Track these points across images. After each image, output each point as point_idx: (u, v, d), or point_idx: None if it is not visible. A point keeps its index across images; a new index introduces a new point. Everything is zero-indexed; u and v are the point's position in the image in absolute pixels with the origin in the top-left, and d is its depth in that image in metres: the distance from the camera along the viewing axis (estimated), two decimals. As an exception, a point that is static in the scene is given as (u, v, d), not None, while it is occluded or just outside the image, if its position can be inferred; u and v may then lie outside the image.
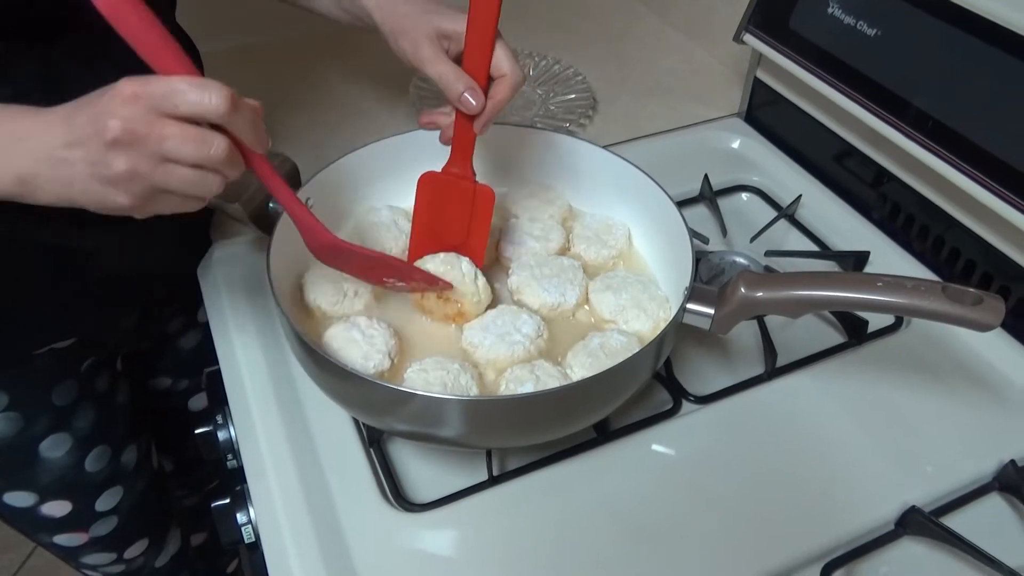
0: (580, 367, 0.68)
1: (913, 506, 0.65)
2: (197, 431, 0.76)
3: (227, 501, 0.70)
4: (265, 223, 0.74)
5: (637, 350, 0.68)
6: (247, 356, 0.77)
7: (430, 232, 0.75)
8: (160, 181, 0.49)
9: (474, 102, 0.66)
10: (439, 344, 0.72)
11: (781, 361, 0.77)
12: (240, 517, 0.69)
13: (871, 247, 0.88)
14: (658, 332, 0.72)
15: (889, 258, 0.88)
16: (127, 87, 0.47)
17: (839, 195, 0.96)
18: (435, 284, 0.71)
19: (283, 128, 1.05)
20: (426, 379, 0.65)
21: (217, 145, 0.48)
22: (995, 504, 0.68)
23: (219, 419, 0.76)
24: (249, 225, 0.75)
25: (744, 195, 1.01)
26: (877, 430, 0.72)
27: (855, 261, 0.88)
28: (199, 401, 1.10)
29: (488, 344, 0.68)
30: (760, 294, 0.64)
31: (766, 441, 0.71)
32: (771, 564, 0.63)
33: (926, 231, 0.88)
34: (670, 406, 0.74)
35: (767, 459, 0.70)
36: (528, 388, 0.65)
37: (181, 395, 1.09)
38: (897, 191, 0.90)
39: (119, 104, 0.46)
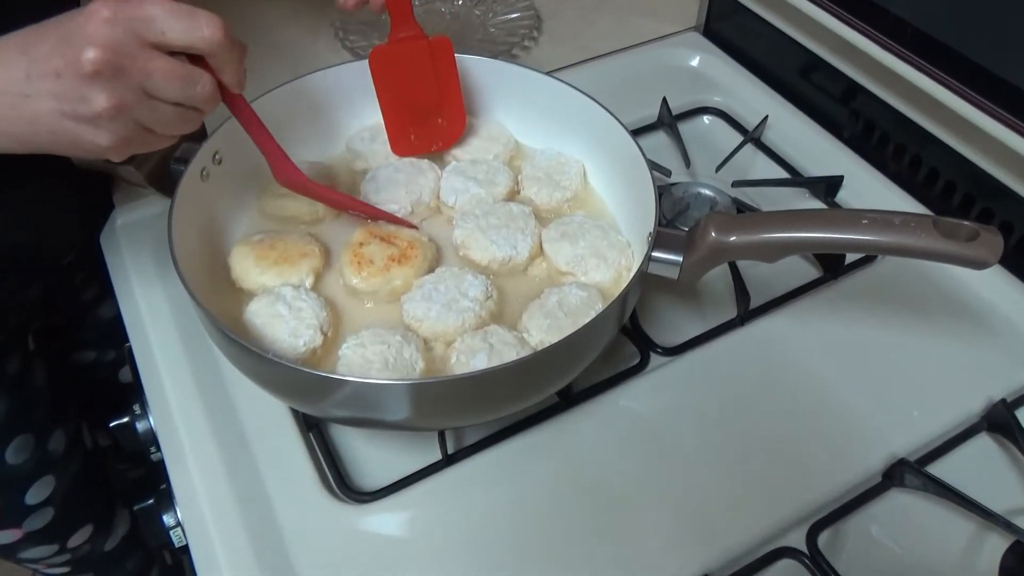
0: (538, 330, 0.60)
1: (901, 459, 0.61)
2: (112, 423, 0.68)
3: (151, 501, 0.62)
4: (166, 184, 0.65)
5: (599, 306, 0.62)
6: (160, 336, 0.68)
7: (401, 108, 0.72)
8: (144, 118, 0.44)
9: None
10: (377, 314, 0.64)
11: (754, 303, 0.71)
12: (167, 519, 0.62)
13: (844, 170, 0.82)
14: (621, 283, 0.66)
15: (863, 181, 0.81)
16: (103, 8, 0.40)
17: (808, 114, 0.89)
18: (399, 223, 0.68)
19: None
20: (364, 356, 0.57)
21: (203, 84, 0.45)
22: (984, 445, 0.64)
23: (136, 408, 0.67)
24: (147, 188, 0.65)
25: (706, 118, 0.93)
26: (859, 373, 0.67)
27: (827, 187, 0.81)
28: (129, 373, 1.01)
29: (434, 316, 0.60)
30: (733, 238, 0.57)
31: (742, 393, 0.66)
32: (753, 529, 0.58)
33: (902, 150, 0.81)
34: (637, 360, 0.68)
35: (743, 413, 0.65)
36: (481, 360, 0.57)
37: (110, 366, 0.99)
38: (870, 107, 0.83)
39: (96, 28, 0.40)
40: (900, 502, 0.60)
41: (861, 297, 0.72)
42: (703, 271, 0.60)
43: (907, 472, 0.60)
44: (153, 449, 0.68)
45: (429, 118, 0.73)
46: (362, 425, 0.60)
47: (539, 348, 0.60)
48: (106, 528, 0.94)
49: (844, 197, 0.81)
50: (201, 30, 0.42)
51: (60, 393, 0.87)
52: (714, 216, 0.58)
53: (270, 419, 0.63)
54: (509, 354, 0.58)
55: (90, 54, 0.40)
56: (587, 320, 0.59)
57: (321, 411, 0.57)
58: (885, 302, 0.72)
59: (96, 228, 0.78)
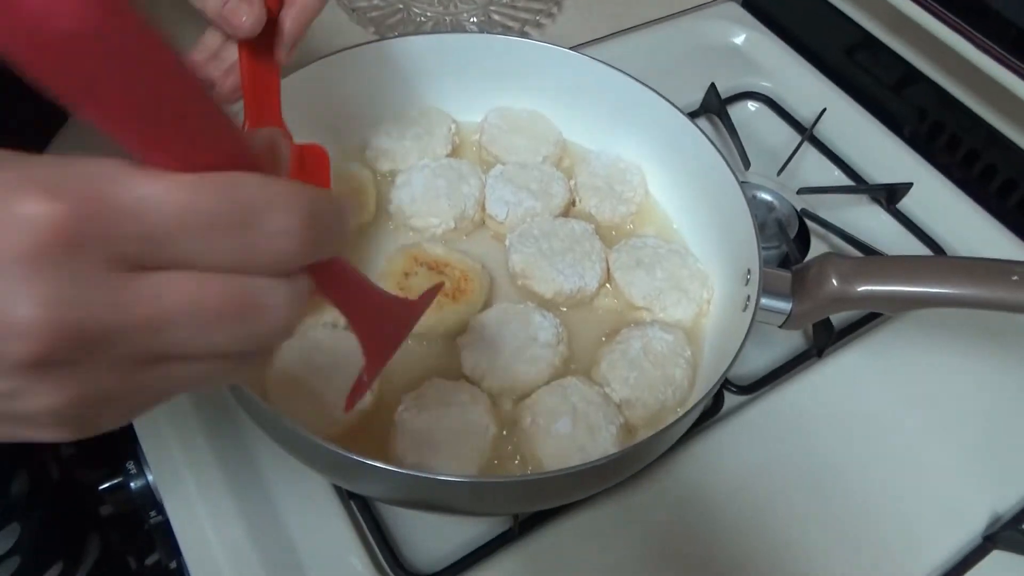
0: (621, 384, 0.52)
1: (1001, 519, 0.56)
2: (101, 487, 0.56)
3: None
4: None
5: (687, 353, 0.54)
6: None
7: None
8: (144, 392, 0.25)
9: (245, 18, 0.43)
10: (429, 357, 0.54)
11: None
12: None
13: (908, 175, 0.75)
14: (701, 319, 0.58)
15: (930, 188, 0.75)
16: (51, 206, 0.20)
17: (863, 105, 0.81)
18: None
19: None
20: (427, 424, 0.48)
21: (281, 306, 0.25)
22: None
23: (130, 466, 0.56)
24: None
25: (751, 105, 0.84)
26: (951, 418, 0.61)
27: (889, 193, 0.75)
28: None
29: (501, 368, 0.51)
30: (860, 288, 0.49)
31: (825, 438, 0.60)
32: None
33: (973, 156, 0.75)
34: (710, 404, 0.61)
35: (829, 461, 0.59)
36: (565, 425, 0.49)
37: None
38: (936, 102, 0.76)
39: (35, 257, 0.20)
40: (1002, 564, 0.56)
41: (959, 327, 0.65)
42: (811, 320, 0.53)
43: (1008, 533, 0.55)
44: (153, 513, 0.57)
45: None
46: (422, 510, 0.51)
47: (624, 406, 0.52)
48: (76, 560, 0.82)
49: (908, 205, 0.75)
50: (283, 232, 0.23)
51: None
52: (832, 260, 0.51)
53: (303, 483, 0.53)
54: (596, 417, 0.50)
55: (21, 317, 0.20)
56: (678, 371, 0.53)
57: (373, 495, 0.48)
58: (984, 335, 0.66)
59: None
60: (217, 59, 0.49)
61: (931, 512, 0.57)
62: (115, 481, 0.56)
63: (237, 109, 0.49)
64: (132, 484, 0.56)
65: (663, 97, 0.62)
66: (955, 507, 0.57)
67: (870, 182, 0.77)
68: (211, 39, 0.49)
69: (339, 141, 0.63)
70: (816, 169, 0.79)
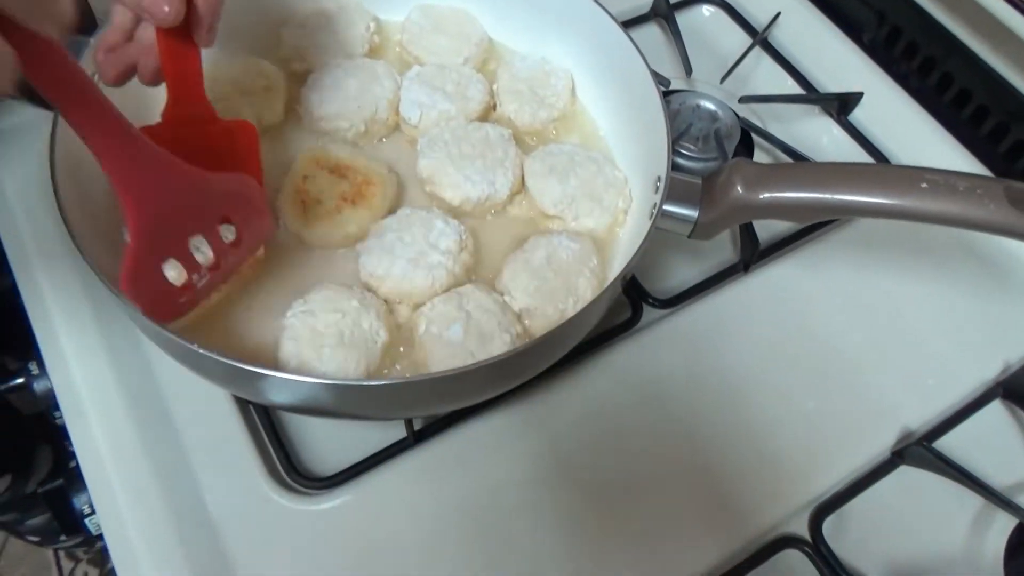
0: (522, 293, 0.51)
1: (913, 434, 0.55)
2: (3, 386, 0.56)
3: (60, 482, 0.53)
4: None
5: (593, 262, 0.53)
6: (52, 277, 0.56)
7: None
8: None
9: (168, 8, 0.41)
10: (327, 265, 0.53)
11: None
12: (78, 503, 0.52)
13: (862, 84, 0.71)
14: (615, 228, 0.56)
15: (883, 98, 0.71)
16: None
17: (823, 10, 0.77)
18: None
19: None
20: (314, 327, 0.47)
21: None
22: (997, 414, 0.59)
23: (32, 367, 0.56)
24: (18, 98, 0.50)
25: (706, 9, 0.80)
26: (872, 332, 0.60)
27: (841, 104, 0.71)
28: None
29: (398, 273, 0.50)
30: (764, 195, 0.47)
31: (743, 355, 0.59)
32: (751, 517, 0.52)
33: (930, 64, 0.71)
34: (628, 315, 0.60)
35: (745, 378, 0.58)
36: (457, 332, 0.48)
37: (7, 294, 0.86)
38: (896, 6, 0.72)
39: None
40: (908, 478, 0.55)
41: (878, 241, 0.64)
42: (719, 230, 0.50)
43: (917, 449, 0.54)
44: (57, 414, 0.57)
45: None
46: (313, 415, 0.51)
47: (524, 315, 0.51)
48: (26, 473, 0.83)
49: (860, 116, 0.72)
50: None
51: None
52: (740, 166, 0.48)
53: (198, 389, 0.53)
54: (489, 324, 0.49)
55: None
56: (582, 281, 0.52)
57: (266, 401, 0.48)
58: (904, 249, 0.64)
59: None
60: (135, 40, 0.46)
61: (843, 426, 0.56)
62: (17, 381, 0.56)
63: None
64: (35, 385, 0.56)
65: (595, 1, 0.58)
66: (868, 421, 0.57)
67: (823, 91, 0.73)
68: (122, 18, 0.46)
69: (251, 37, 0.60)
70: (768, 77, 0.75)
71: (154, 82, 0.47)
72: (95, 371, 0.53)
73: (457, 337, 0.48)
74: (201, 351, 0.40)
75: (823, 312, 0.61)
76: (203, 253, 0.46)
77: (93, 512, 0.52)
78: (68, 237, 0.41)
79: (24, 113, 0.62)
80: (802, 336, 0.60)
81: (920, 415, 0.57)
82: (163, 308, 0.44)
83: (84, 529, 0.53)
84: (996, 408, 0.59)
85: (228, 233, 0.46)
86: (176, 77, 0.47)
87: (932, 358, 0.60)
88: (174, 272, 0.44)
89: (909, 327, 0.61)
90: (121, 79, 0.46)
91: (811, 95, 0.72)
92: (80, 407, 0.52)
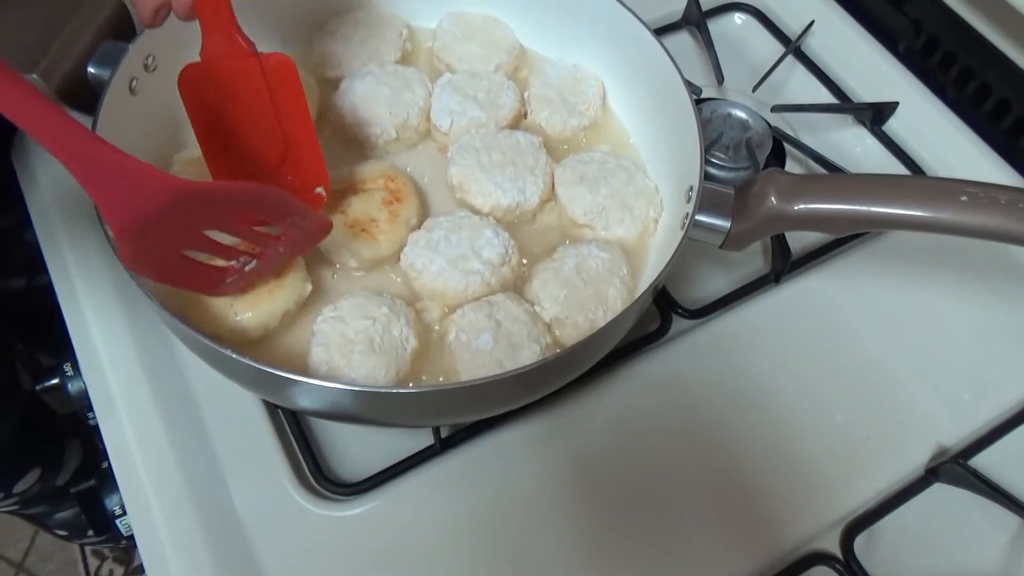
0: (552, 302, 0.50)
1: (947, 451, 0.54)
2: (39, 386, 0.57)
3: (92, 483, 0.54)
4: (84, 99, 0.51)
5: (623, 272, 0.52)
6: (88, 280, 0.56)
7: (227, 158, 0.51)
8: None
9: None
10: (363, 280, 0.53)
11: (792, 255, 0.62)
12: (110, 503, 0.53)
13: (897, 94, 0.70)
14: (646, 237, 0.56)
15: (919, 109, 0.70)
16: None
17: (858, 19, 0.76)
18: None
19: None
20: (344, 333, 0.47)
21: None
22: (1038, 431, 0.57)
23: (67, 368, 0.57)
24: (58, 103, 0.51)
25: (737, 16, 0.79)
26: (907, 346, 0.59)
27: (875, 113, 0.70)
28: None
29: (435, 271, 0.50)
30: (799, 207, 0.46)
31: (774, 368, 0.58)
32: (781, 533, 0.52)
33: (967, 74, 0.70)
34: (657, 325, 0.59)
35: (776, 392, 0.57)
36: (487, 341, 0.48)
37: (43, 292, 0.87)
38: (933, 15, 0.71)
39: None
40: (942, 496, 0.54)
41: (913, 255, 0.63)
42: (751, 241, 0.50)
43: (952, 467, 0.53)
44: (91, 415, 0.58)
45: (272, 173, 0.51)
46: (342, 421, 0.51)
47: (554, 325, 0.50)
48: (55, 467, 0.85)
49: (895, 127, 0.71)
50: None
51: None
52: (774, 176, 0.48)
53: (228, 392, 0.53)
54: (519, 334, 0.49)
55: None
56: (612, 291, 0.51)
57: (293, 407, 0.48)
58: (939, 260, 0.63)
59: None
60: None
61: (877, 441, 0.55)
62: (52, 382, 0.57)
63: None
64: (69, 386, 0.57)
65: (625, 6, 0.58)
66: (902, 437, 0.56)
67: (857, 101, 0.73)
68: None
69: (283, 45, 0.61)
70: (801, 86, 0.74)
71: (188, 17, 0.47)
72: (128, 373, 0.54)
73: (487, 346, 0.48)
74: (233, 356, 0.40)
75: (856, 324, 0.60)
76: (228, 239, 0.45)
77: (124, 513, 0.52)
78: (103, 239, 0.42)
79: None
80: (834, 348, 0.59)
81: (956, 431, 0.56)
82: (203, 282, 0.45)
83: (115, 529, 0.53)
84: (1036, 425, 0.57)
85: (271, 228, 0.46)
86: (206, 11, 0.47)
87: (969, 373, 0.58)
88: (206, 256, 0.45)
89: (945, 341, 0.60)
90: (158, 17, 0.47)
91: (844, 104, 0.71)
92: (113, 408, 0.52)
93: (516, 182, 0.55)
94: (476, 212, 0.55)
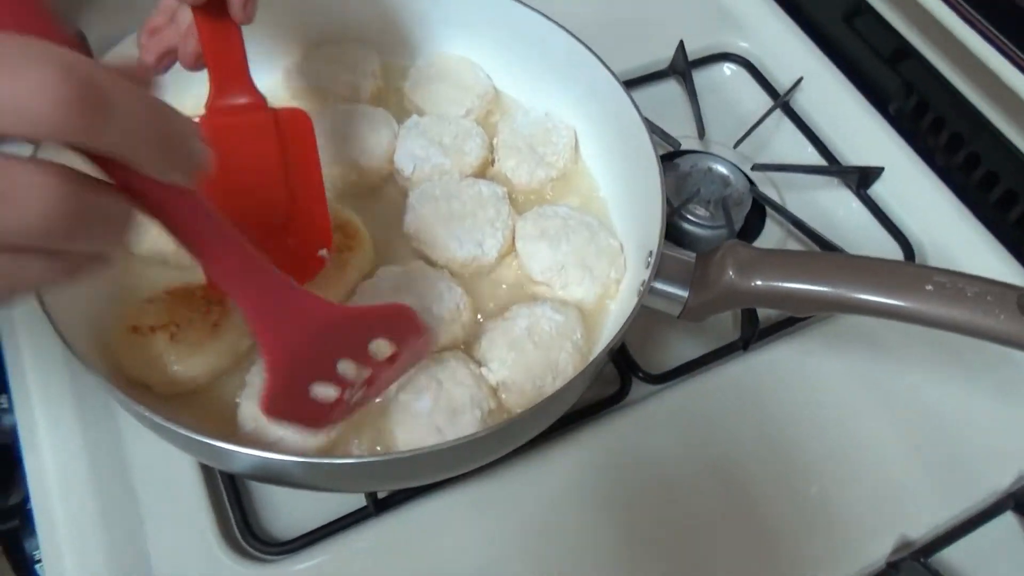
0: (500, 364, 0.48)
1: (911, 544, 0.52)
2: (-30, 417, 0.55)
3: (15, 523, 0.51)
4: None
5: (577, 336, 0.50)
6: (28, 324, 0.55)
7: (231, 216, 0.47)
8: None
9: None
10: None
11: (761, 323, 0.59)
12: (30, 547, 0.51)
13: (885, 158, 0.68)
14: (606, 299, 0.54)
15: (906, 175, 0.68)
16: None
17: (849, 76, 0.74)
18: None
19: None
20: (275, 389, 0.45)
21: (34, 188, 0.23)
22: (1007, 528, 0.55)
23: (2, 400, 0.55)
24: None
25: (727, 67, 0.78)
26: (875, 427, 0.57)
27: (861, 177, 0.68)
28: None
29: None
30: (757, 283, 0.44)
31: (740, 436, 0.55)
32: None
33: (957, 142, 0.68)
34: (616, 389, 0.57)
35: (741, 460, 0.54)
36: (426, 402, 0.46)
37: None
38: (924, 79, 0.69)
39: None
40: (904, 592, 0.51)
41: (888, 330, 0.60)
42: (711, 313, 0.48)
43: (912, 564, 0.51)
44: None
45: (272, 236, 0.46)
46: (265, 483, 0.49)
47: (500, 389, 0.48)
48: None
49: (880, 191, 0.68)
50: (27, 101, 0.21)
51: None
52: (735, 248, 0.46)
53: (157, 445, 0.51)
54: (461, 397, 0.46)
55: None
56: (563, 355, 0.49)
57: (220, 467, 0.46)
58: (916, 338, 0.60)
59: None
60: (175, 22, 0.44)
61: (839, 523, 0.53)
62: (-14, 414, 0.55)
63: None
64: (2, 420, 0.55)
65: (594, 54, 0.56)
66: (864, 522, 0.53)
67: (844, 162, 0.70)
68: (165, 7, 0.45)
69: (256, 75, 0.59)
70: (786, 143, 0.72)
71: (195, 67, 0.44)
72: (59, 413, 0.51)
73: (425, 408, 0.46)
74: (156, 419, 0.38)
75: (825, 400, 0.57)
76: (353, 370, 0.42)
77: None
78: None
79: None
80: (802, 422, 0.56)
81: (921, 522, 0.53)
82: (311, 420, 0.41)
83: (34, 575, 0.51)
84: (1006, 521, 0.54)
85: (384, 348, 0.42)
86: (217, 60, 0.43)
87: (939, 461, 0.56)
88: (324, 391, 0.40)
89: (916, 424, 0.57)
90: (162, 63, 0.45)
91: (829, 167, 0.69)
92: (38, 449, 0.50)
93: (474, 234, 0.53)
94: (431, 263, 0.53)
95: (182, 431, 0.37)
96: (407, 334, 0.42)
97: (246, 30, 0.44)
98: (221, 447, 0.37)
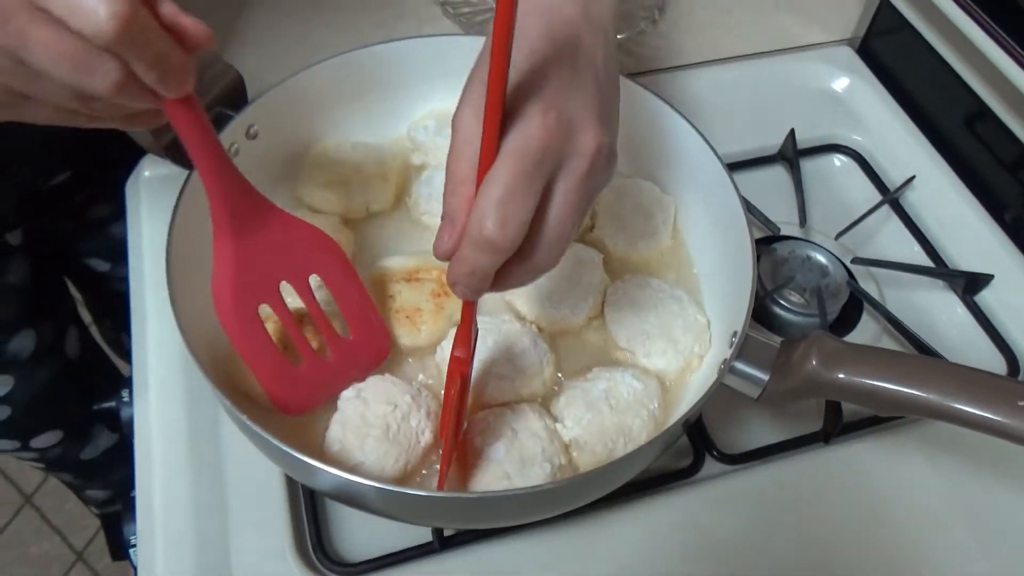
0: (574, 422, 0.50)
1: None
2: (96, 406, 0.61)
3: (118, 507, 0.56)
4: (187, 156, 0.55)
5: (654, 406, 0.51)
6: (158, 319, 0.60)
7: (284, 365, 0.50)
8: (20, 86, 0.34)
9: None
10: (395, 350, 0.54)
11: (845, 416, 0.58)
12: (127, 532, 0.56)
13: (995, 265, 0.66)
14: (688, 373, 0.55)
15: (1018, 285, 0.66)
16: None
17: (965, 180, 0.72)
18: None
19: (232, 31, 0.82)
20: (363, 416, 0.48)
21: (104, 76, 0.32)
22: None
23: (124, 394, 0.61)
24: (163, 157, 0.56)
25: (837, 159, 0.78)
26: (960, 542, 0.54)
27: (968, 282, 0.66)
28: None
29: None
30: (840, 376, 0.44)
31: (809, 530, 0.54)
32: None
33: (1077, 257, 0.65)
34: (688, 462, 0.57)
35: (807, 553, 0.53)
36: (499, 450, 0.48)
37: (121, 282, 0.95)
38: (1048, 191, 0.67)
39: None
40: None
41: (985, 441, 0.58)
42: (790, 401, 0.48)
43: None
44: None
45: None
46: (340, 503, 0.52)
47: (572, 446, 0.50)
48: (80, 437, 0.90)
49: (988, 299, 0.66)
50: (91, 10, 0.29)
51: (45, 295, 0.82)
52: (821, 339, 0.46)
53: (253, 454, 0.55)
54: (533, 449, 0.48)
55: None
56: (638, 422, 0.50)
57: (299, 479, 0.49)
58: (1014, 454, 0.58)
59: (103, 158, 0.71)
60: None
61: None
62: (108, 405, 0.60)
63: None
64: (122, 412, 0.60)
65: (703, 137, 0.58)
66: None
67: (952, 266, 0.69)
68: None
69: (380, 124, 0.65)
70: (891, 239, 0.72)
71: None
72: (170, 410, 0.57)
73: (498, 455, 0.48)
74: (254, 428, 0.42)
75: (907, 506, 0.56)
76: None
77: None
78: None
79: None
80: (880, 526, 0.55)
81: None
82: (274, 369, 0.48)
83: (129, 559, 0.56)
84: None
85: (319, 292, 0.49)
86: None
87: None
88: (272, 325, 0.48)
89: (1003, 546, 0.54)
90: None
91: (936, 269, 0.68)
92: (148, 438, 0.55)
93: (567, 297, 0.55)
94: (520, 317, 0.56)
95: (274, 441, 0.41)
96: (334, 267, 0.49)
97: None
98: (305, 461, 0.41)
